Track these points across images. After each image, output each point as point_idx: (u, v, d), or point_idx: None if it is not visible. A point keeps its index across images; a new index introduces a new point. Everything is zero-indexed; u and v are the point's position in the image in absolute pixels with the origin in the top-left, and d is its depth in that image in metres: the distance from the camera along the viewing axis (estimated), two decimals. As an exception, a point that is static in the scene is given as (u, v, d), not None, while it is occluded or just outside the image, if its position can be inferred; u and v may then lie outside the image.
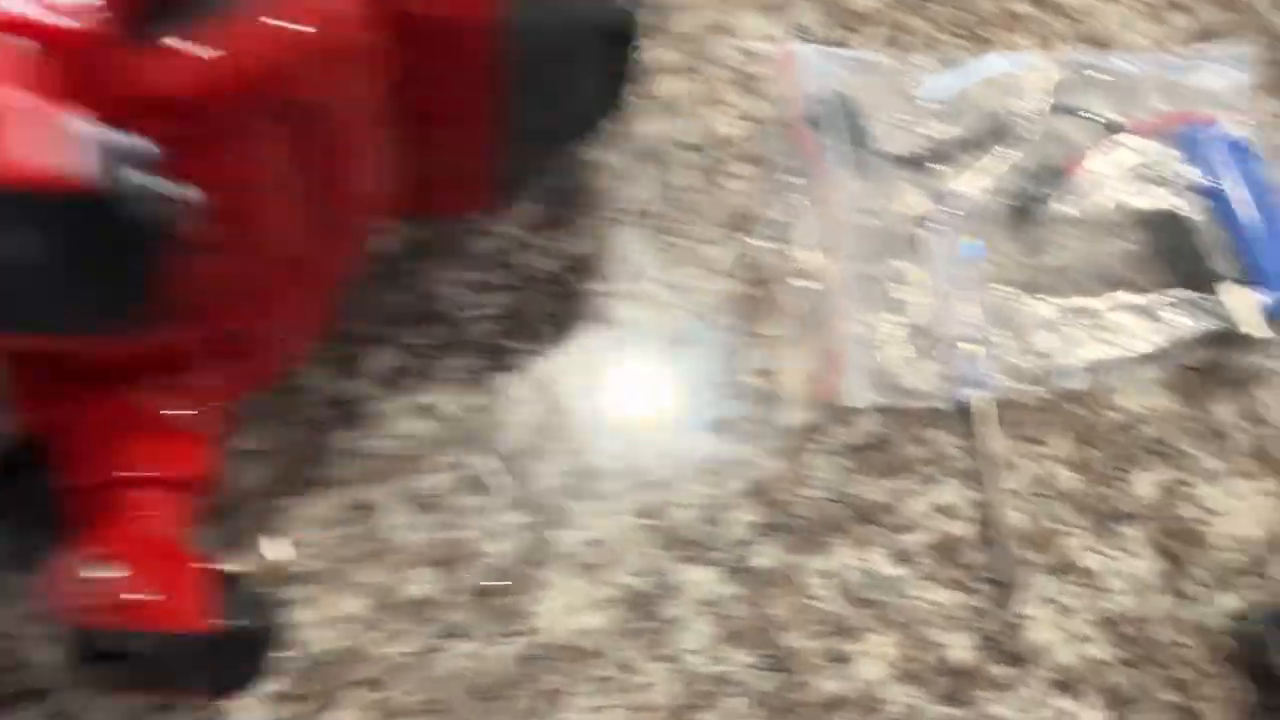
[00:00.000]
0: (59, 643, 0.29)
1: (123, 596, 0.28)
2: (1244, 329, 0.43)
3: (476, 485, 0.39)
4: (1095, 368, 0.43)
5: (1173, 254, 0.45)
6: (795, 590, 0.39)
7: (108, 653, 0.28)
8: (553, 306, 0.43)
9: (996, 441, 0.42)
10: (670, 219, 0.45)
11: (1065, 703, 0.38)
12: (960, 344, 0.43)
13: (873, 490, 0.41)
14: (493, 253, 0.43)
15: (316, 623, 0.36)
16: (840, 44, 0.49)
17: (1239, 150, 0.45)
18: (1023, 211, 0.45)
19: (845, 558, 0.39)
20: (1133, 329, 0.44)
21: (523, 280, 0.43)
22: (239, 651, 0.30)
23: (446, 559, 0.38)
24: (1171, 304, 0.44)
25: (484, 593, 0.37)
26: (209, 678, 0.30)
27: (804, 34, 0.49)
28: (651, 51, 0.48)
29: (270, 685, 0.34)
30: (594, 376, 0.42)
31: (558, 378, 0.42)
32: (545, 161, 0.43)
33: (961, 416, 0.42)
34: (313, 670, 0.35)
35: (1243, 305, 0.43)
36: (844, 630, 0.38)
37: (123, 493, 0.29)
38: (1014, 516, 0.41)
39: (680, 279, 0.44)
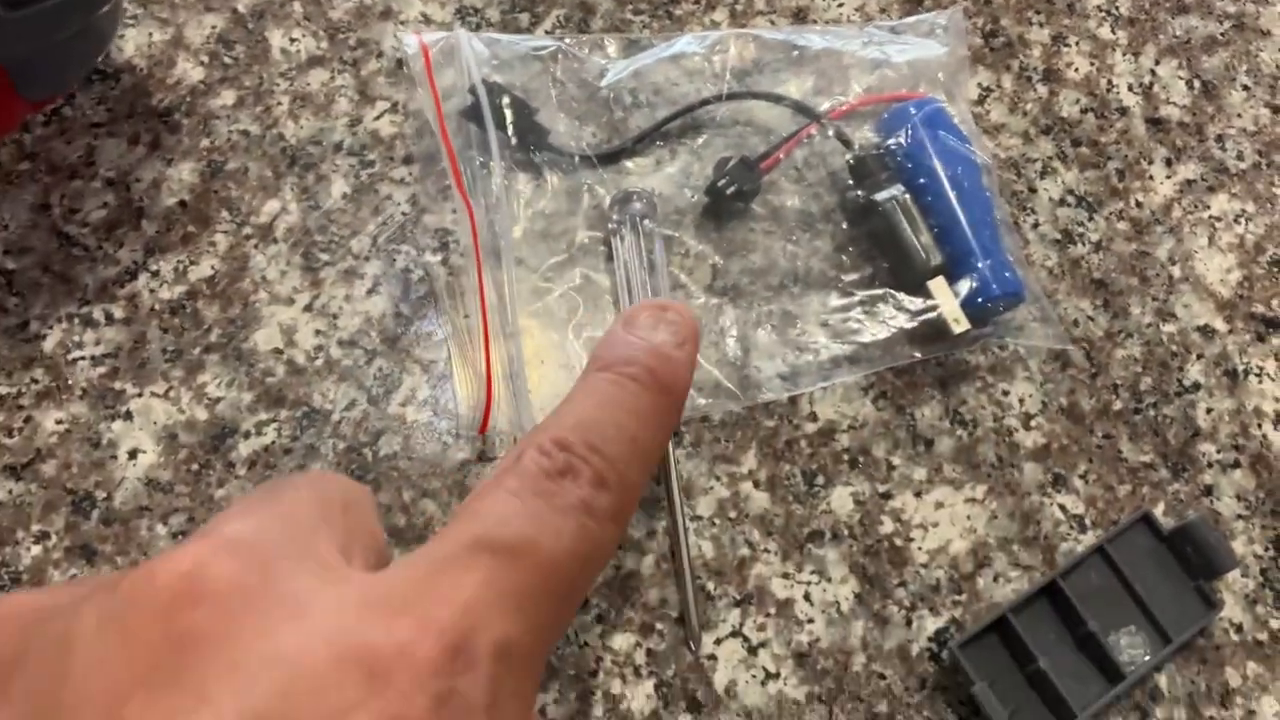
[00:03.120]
0: None
1: None
2: (953, 326, 0.40)
3: (86, 554, 0.34)
4: (793, 376, 0.39)
5: (877, 249, 0.42)
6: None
7: None
8: (175, 342, 0.38)
9: (681, 465, 0.38)
10: (314, 233, 0.40)
11: (749, 752, 0.35)
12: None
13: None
14: (98, 281, 0.38)
15: None
16: (514, 27, 0.44)
17: (945, 129, 0.42)
18: (717, 207, 0.41)
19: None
20: (836, 332, 0.40)
21: (136, 312, 0.37)
22: None
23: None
24: (876, 303, 0.40)
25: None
26: None
27: (473, 16, 0.44)
28: (301, 41, 0.43)
29: None
30: (225, 419, 0.37)
31: (182, 426, 0.36)
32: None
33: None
34: None
35: (949, 300, 0.40)
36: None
37: None
38: (701, 545, 0.37)
39: (326, 302, 0.39)
